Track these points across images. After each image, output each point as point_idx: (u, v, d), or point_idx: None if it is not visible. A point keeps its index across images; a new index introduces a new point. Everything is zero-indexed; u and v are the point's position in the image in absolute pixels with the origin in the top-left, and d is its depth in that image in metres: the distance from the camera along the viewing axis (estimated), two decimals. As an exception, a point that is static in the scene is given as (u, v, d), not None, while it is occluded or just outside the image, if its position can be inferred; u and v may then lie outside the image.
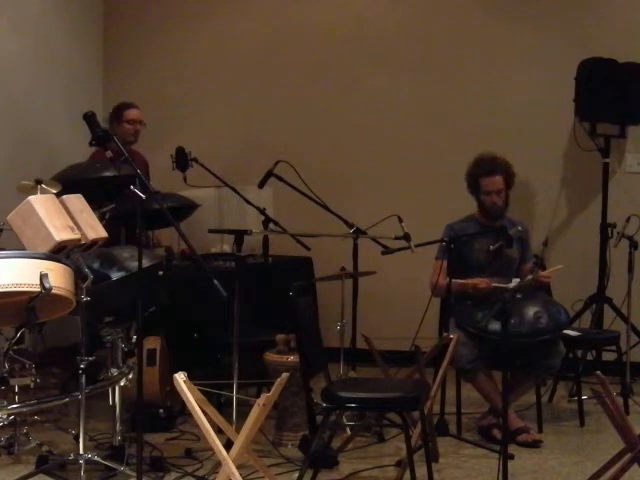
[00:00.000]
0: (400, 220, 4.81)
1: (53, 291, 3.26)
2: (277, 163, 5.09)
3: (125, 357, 4.16)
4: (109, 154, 3.61)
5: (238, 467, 3.39)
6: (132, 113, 5.68)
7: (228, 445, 3.54)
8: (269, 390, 3.62)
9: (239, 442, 3.40)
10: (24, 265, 3.26)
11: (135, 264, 3.78)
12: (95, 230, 3.80)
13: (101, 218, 4.24)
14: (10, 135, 5.89)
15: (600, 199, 6.06)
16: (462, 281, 4.74)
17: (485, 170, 4.88)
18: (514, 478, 4.02)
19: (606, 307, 5.95)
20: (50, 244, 3.50)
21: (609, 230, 5.85)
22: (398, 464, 4.18)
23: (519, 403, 4.99)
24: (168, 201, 4.62)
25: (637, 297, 5.59)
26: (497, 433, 4.64)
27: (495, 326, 4.56)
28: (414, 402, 3.73)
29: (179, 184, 5.12)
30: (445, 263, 4.69)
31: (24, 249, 3.50)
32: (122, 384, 4.11)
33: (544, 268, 4.96)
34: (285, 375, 3.48)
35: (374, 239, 4.95)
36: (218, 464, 3.58)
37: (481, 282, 4.76)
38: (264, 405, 3.36)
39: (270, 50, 6.74)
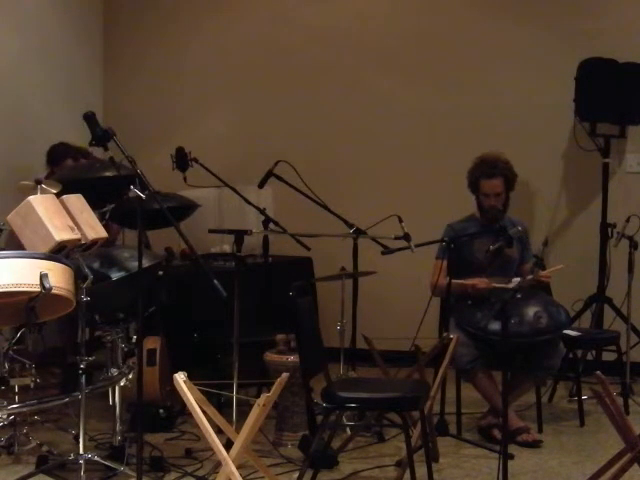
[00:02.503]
0: (400, 220, 4.81)
1: (53, 291, 3.27)
2: (277, 163, 5.08)
3: (125, 357, 4.16)
4: (109, 154, 3.59)
5: (238, 467, 3.38)
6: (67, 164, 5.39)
7: (228, 445, 3.53)
8: (269, 390, 3.62)
9: (239, 442, 3.40)
10: (24, 265, 3.26)
11: (135, 264, 3.78)
12: (95, 230, 3.80)
13: (101, 218, 4.24)
14: (10, 135, 5.89)
15: (600, 199, 6.05)
16: (462, 281, 4.74)
17: (485, 173, 4.86)
18: (514, 478, 4.02)
19: (606, 307, 5.95)
20: (50, 244, 3.51)
21: (609, 230, 5.85)
22: (398, 464, 4.17)
23: (519, 403, 4.98)
24: (168, 201, 4.63)
25: (637, 297, 5.58)
26: (497, 433, 4.64)
27: (495, 326, 4.56)
28: (414, 402, 3.73)
29: (179, 184, 5.12)
30: (445, 263, 4.69)
31: (24, 249, 3.51)
32: (122, 384, 4.11)
33: (544, 268, 4.95)
34: (285, 375, 3.48)
35: (374, 239, 4.95)
36: (218, 464, 3.58)
37: (480, 282, 4.76)
38: (264, 405, 3.36)
39: (270, 50, 6.74)
